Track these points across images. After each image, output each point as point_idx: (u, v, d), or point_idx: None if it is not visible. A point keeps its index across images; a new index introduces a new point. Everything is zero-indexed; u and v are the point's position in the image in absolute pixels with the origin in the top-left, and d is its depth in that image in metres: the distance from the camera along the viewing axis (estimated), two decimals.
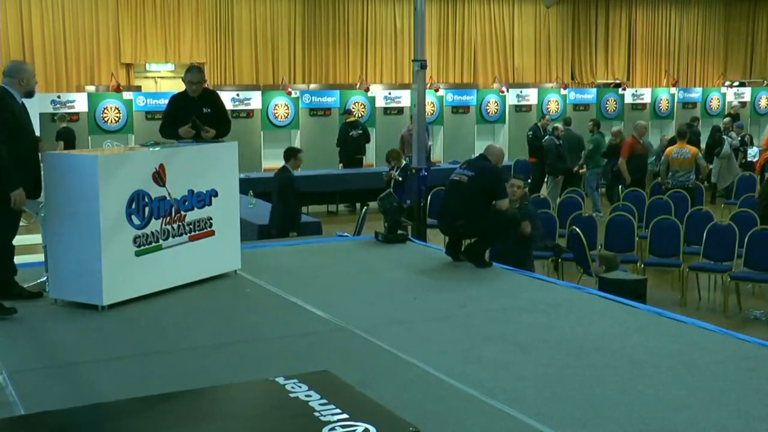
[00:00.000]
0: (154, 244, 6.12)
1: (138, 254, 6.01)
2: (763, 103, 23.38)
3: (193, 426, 3.90)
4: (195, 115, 6.94)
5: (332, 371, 4.44)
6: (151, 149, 6.47)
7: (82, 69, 19.81)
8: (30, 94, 5.91)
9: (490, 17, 24.27)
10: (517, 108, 20.63)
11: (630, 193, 12.00)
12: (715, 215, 10.40)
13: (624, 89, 22.01)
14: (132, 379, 4.59)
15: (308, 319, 5.74)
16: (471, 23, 24.03)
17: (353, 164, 16.20)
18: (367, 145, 16.69)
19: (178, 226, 6.32)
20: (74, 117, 16.75)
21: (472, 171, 7.34)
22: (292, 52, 22.00)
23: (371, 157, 17.71)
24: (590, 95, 21.64)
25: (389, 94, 19.53)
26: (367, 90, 19.38)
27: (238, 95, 18.06)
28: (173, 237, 6.28)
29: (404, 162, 12.20)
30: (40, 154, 6.03)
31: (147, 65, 20.76)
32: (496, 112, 20.43)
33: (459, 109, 20.08)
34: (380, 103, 19.16)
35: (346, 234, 9.06)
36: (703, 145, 16.94)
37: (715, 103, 22.79)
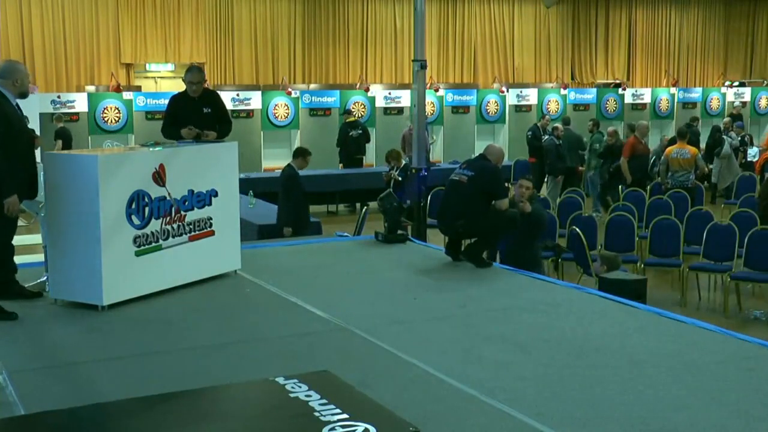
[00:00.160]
0: (154, 244, 6.12)
1: (138, 254, 6.01)
2: (763, 103, 23.39)
3: (193, 426, 3.90)
4: (195, 115, 6.95)
5: (332, 371, 4.44)
6: (151, 149, 6.47)
7: (82, 69, 19.81)
8: (24, 95, 5.81)
9: (490, 17, 24.27)
10: (517, 108, 20.63)
11: (630, 193, 12.00)
12: (715, 215, 10.40)
13: (624, 89, 22.01)
14: (132, 379, 4.59)
15: (308, 319, 5.74)
16: (471, 23, 24.03)
17: (353, 164, 16.20)
18: (367, 145, 16.69)
19: (178, 226, 6.32)
20: (74, 117, 16.76)
21: (471, 171, 7.34)
22: (292, 52, 22.00)
23: (371, 157, 17.71)
24: (590, 95, 21.65)
25: (389, 94, 19.53)
26: (367, 90, 19.38)
27: (238, 95, 18.06)
28: (173, 237, 6.28)
29: (404, 162, 12.20)
30: (38, 151, 5.98)
31: (147, 65, 20.76)
32: (496, 112, 20.44)
33: (459, 109, 20.08)
34: (380, 103, 19.16)
35: (346, 234, 9.06)
36: (703, 145, 16.95)
37: (715, 103, 22.80)
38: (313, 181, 14.36)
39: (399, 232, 8.36)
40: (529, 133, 16.29)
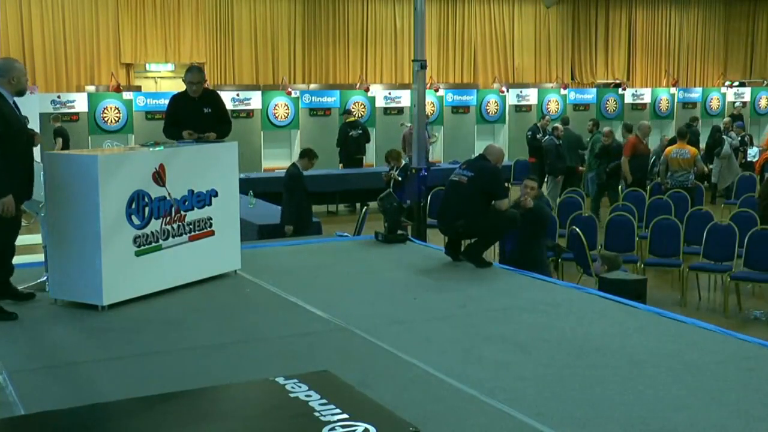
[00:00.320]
0: (154, 244, 6.12)
1: (138, 254, 6.01)
2: (763, 103, 23.39)
3: (193, 426, 3.90)
4: (195, 115, 6.95)
5: (332, 371, 4.44)
6: (151, 149, 6.46)
7: (82, 69, 19.82)
8: (21, 93, 5.71)
9: (490, 17, 24.28)
10: (517, 108, 20.64)
11: (630, 193, 12.00)
12: (715, 215, 10.39)
13: (624, 89, 22.02)
14: (132, 379, 4.59)
15: (308, 319, 5.74)
16: (471, 23, 24.04)
17: (353, 164, 16.20)
18: (367, 145, 16.69)
19: (178, 226, 6.32)
20: (74, 117, 16.77)
21: (471, 171, 7.34)
22: (292, 52, 22.00)
23: (371, 157, 17.72)
24: (590, 95, 21.66)
25: (389, 94, 19.53)
26: (367, 90, 19.38)
27: (238, 95, 18.06)
28: (173, 237, 6.28)
29: (404, 162, 12.20)
30: (37, 150, 5.93)
31: (147, 65, 20.77)
32: (496, 112, 20.44)
33: (459, 109, 20.09)
34: (380, 103, 19.16)
35: (346, 234, 9.06)
36: (702, 145, 16.95)
37: (715, 103, 22.80)
38: (313, 181, 14.31)
39: (399, 232, 8.36)
40: (529, 133, 16.27)
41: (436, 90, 19.77)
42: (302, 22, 22.04)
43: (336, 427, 3.64)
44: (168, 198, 6.21)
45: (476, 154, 8.01)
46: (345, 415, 3.75)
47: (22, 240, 6.14)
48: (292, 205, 9.37)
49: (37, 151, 6.38)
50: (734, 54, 27.52)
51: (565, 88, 21.55)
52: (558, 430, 3.89)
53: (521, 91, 20.94)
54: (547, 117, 16.98)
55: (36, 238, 7.18)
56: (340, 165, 16.47)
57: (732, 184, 14.82)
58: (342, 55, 22.56)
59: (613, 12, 25.83)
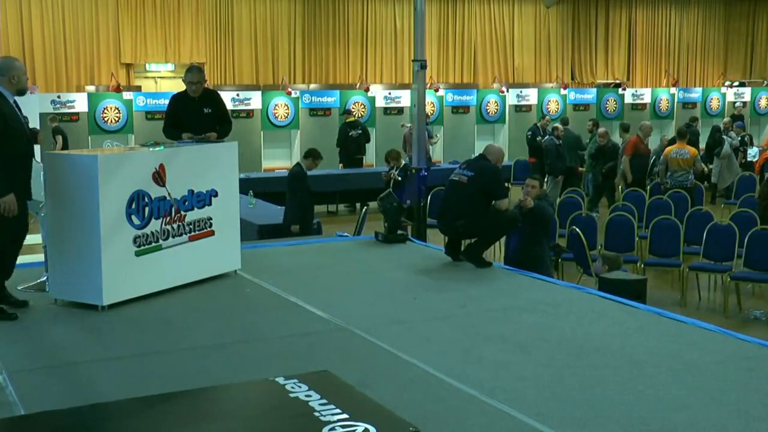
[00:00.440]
0: (154, 244, 6.13)
1: (138, 254, 6.01)
2: (763, 103, 23.39)
3: (193, 426, 3.90)
4: (195, 115, 6.95)
5: (332, 371, 4.44)
6: (151, 149, 6.47)
7: (82, 69, 19.81)
8: (22, 93, 5.65)
9: (490, 17, 24.27)
10: (517, 108, 20.64)
11: (630, 193, 12.00)
12: (715, 215, 10.39)
13: (624, 89, 22.01)
14: (132, 379, 4.59)
15: (308, 319, 5.74)
16: (471, 23, 24.03)
17: (353, 164, 16.20)
18: (367, 145, 16.69)
19: (178, 226, 6.32)
20: (74, 117, 16.77)
21: (471, 171, 7.35)
22: (292, 52, 22.00)
23: (371, 157, 17.72)
24: (590, 95, 21.65)
25: (389, 94, 19.53)
26: (367, 90, 19.38)
27: (238, 95, 18.06)
28: (173, 237, 6.28)
29: (404, 162, 12.20)
30: (38, 148, 5.87)
31: (147, 65, 20.76)
32: (496, 112, 20.44)
33: (459, 109, 20.08)
34: (380, 103, 19.16)
35: (346, 234, 9.06)
36: (702, 145, 16.94)
37: (715, 103, 22.80)
38: (313, 181, 14.20)
39: (399, 232, 8.36)
40: (529, 133, 16.26)
41: (436, 90, 19.77)
42: (302, 22, 22.03)
43: (336, 427, 3.64)
44: (168, 198, 6.21)
45: (476, 154, 8.01)
46: (345, 415, 3.75)
47: None
48: (295, 204, 9.37)
49: (37, 151, 6.36)
50: (734, 54, 27.51)
51: (565, 88, 21.55)
52: (558, 430, 3.89)
53: (521, 91, 20.94)
54: (547, 117, 16.98)
55: (36, 238, 7.18)
56: (340, 165, 16.47)
57: (732, 184, 14.82)
58: (342, 55, 22.56)
59: (613, 12, 25.82)
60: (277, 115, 18.27)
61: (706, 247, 9.26)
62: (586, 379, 4.56)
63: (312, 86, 20.92)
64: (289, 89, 18.71)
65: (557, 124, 15.27)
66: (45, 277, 6.13)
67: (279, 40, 21.79)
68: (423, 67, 9.77)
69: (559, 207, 11.13)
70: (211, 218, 6.60)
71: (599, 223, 10.30)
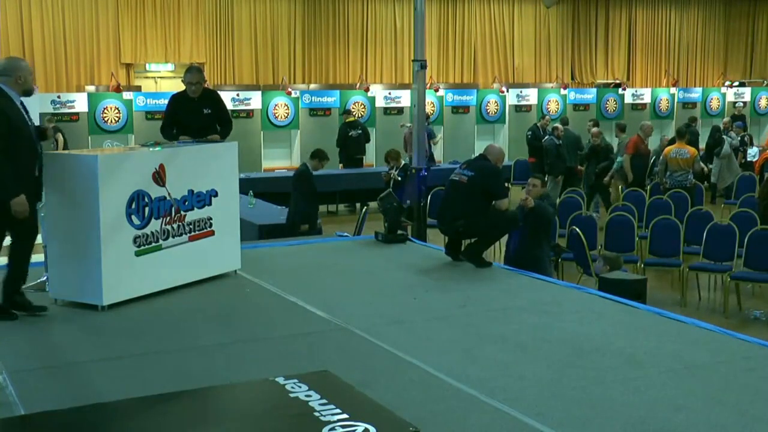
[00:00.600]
0: (154, 244, 6.13)
1: (138, 254, 6.01)
2: (763, 103, 23.38)
3: (193, 426, 3.90)
4: (195, 115, 6.94)
5: (332, 371, 4.44)
6: (151, 149, 6.47)
7: (82, 69, 19.80)
8: (28, 93, 5.55)
9: (490, 17, 24.27)
10: (517, 108, 20.63)
11: (630, 193, 12.00)
12: (715, 215, 10.39)
13: (624, 89, 22.01)
14: (132, 379, 4.59)
15: (308, 319, 5.75)
16: (471, 23, 24.03)
17: (353, 164, 16.19)
18: (367, 145, 16.69)
19: (178, 226, 6.32)
20: (74, 117, 16.76)
21: (471, 171, 7.35)
22: (292, 52, 21.99)
23: (371, 157, 17.71)
24: (590, 95, 21.64)
25: (389, 94, 19.52)
26: (367, 90, 19.37)
27: (238, 95, 18.05)
28: (173, 237, 6.28)
29: (403, 162, 12.20)
30: (53, 143, 5.74)
31: (147, 65, 20.75)
32: (496, 112, 20.43)
33: (459, 109, 20.08)
34: (380, 103, 19.15)
35: (346, 234, 9.06)
36: (702, 145, 16.93)
37: (714, 103, 22.79)
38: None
39: (399, 232, 8.36)
40: (529, 133, 16.25)
41: (436, 90, 19.76)
42: (302, 22, 22.03)
43: (336, 427, 3.65)
44: (168, 198, 6.21)
45: (476, 154, 8.01)
46: (345, 415, 3.75)
47: None
48: (301, 203, 9.37)
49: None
50: (734, 54, 27.50)
51: (565, 88, 21.54)
52: (558, 430, 3.89)
53: (521, 91, 20.93)
54: (547, 117, 16.97)
55: (36, 238, 7.18)
56: (340, 165, 16.45)
57: (732, 184, 14.81)
58: (342, 55, 22.55)
59: (613, 12, 25.82)
60: (277, 115, 18.27)
61: (706, 247, 9.26)
62: (586, 379, 4.57)
63: (312, 86, 20.92)
64: (289, 89, 18.70)
65: (557, 124, 15.26)
66: (45, 277, 6.13)
67: (279, 40, 21.78)
68: (423, 67, 9.77)
69: (559, 207, 11.13)
70: (211, 218, 6.60)
71: (599, 223, 10.30)
